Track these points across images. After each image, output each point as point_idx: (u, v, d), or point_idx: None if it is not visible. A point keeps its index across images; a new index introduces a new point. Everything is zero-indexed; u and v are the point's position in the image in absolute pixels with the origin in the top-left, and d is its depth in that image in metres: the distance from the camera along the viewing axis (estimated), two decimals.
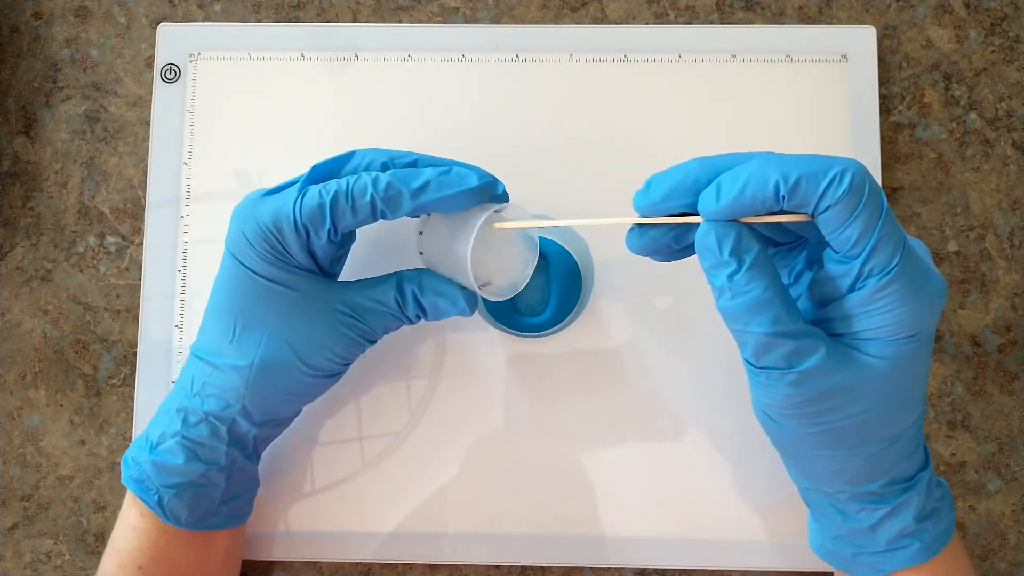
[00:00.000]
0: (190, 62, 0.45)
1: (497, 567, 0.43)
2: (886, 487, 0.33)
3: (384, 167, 0.36)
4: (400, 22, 0.46)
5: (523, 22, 0.46)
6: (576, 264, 0.43)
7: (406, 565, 0.43)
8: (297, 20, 0.46)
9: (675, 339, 0.43)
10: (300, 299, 0.36)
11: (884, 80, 0.45)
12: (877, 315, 0.30)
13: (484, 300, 0.42)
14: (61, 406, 0.45)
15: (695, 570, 0.43)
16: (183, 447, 0.36)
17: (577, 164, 0.44)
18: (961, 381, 0.44)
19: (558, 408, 0.43)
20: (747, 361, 0.32)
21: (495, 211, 0.36)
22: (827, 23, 0.46)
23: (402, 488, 0.42)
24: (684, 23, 0.46)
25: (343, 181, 0.35)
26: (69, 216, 0.46)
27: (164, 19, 0.46)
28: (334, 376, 0.38)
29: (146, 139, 0.45)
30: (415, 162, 0.36)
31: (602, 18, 0.46)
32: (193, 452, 0.36)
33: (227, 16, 0.47)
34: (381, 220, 0.35)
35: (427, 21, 0.46)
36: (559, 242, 0.43)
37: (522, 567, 0.43)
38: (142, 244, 0.45)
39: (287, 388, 0.37)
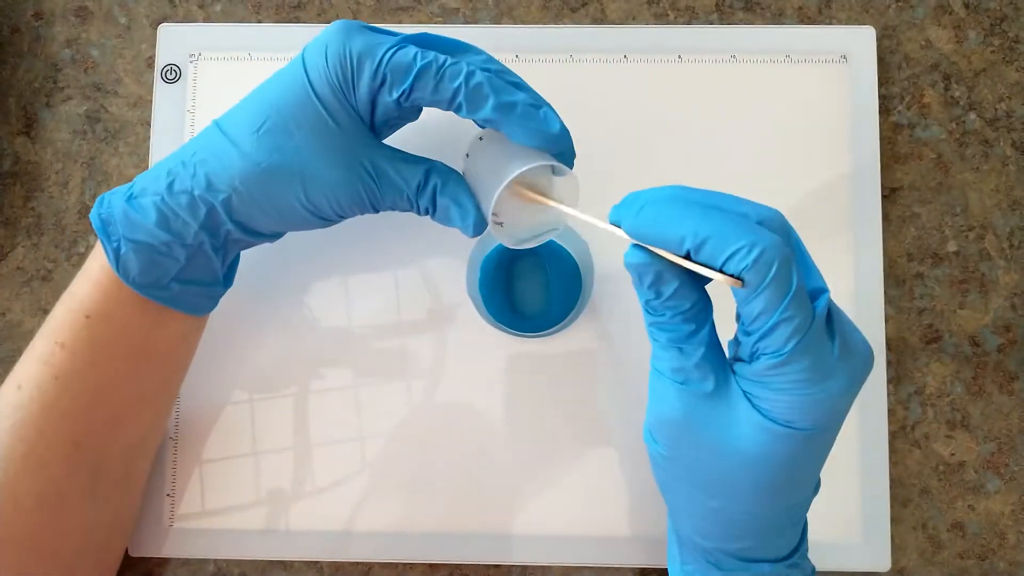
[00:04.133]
0: (191, 62, 0.45)
1: (497, 567, 0.43)
2: (739, 553, 0.33)
3: (485, 70, 0.35)
4: (400, 23, 0.46)
5: (523, 22, 0.46)
6: (576, 264, 0.43)
7: (406, 565, 0.43)
8: (298, 21, 0.47)
9: None
10: (336, 136, 0.35)
11: (884, 80, 0.45)
12: (765, 391, 0.29)
13: (484, 301, 0.43)
14: None
15: None
16: (158, 209, 0.35)
17: (577, 164, 0.44)
18: (960, 381, 0.44)
19: (558, 408, 0.43)
20: (652, 367, 0.32)
21: (551, 166, 0.36)
22: (827, 24, 0.46)
23: (402, 488, 0.43)
24: (684, 23, 0.46)
25: (443, 57, 0.34)
26: (70, 216, 0.46)
27: (165, 19, 0.47)
28: (324, 220, 0.37)
29: (147, 139, 0.46)
30: (517, 84, 0.36)
31: (602, 18, 0.46)
32: (165, 218, 0.35)
33: (228, 17, 0.47)
34: (453, 113, 0.35)
35: (427, 21, 0.46)
36: (559, 242, 0.43)
37: (522, 567, 0.43)
38: None
39: (275, 205, 0.36)
